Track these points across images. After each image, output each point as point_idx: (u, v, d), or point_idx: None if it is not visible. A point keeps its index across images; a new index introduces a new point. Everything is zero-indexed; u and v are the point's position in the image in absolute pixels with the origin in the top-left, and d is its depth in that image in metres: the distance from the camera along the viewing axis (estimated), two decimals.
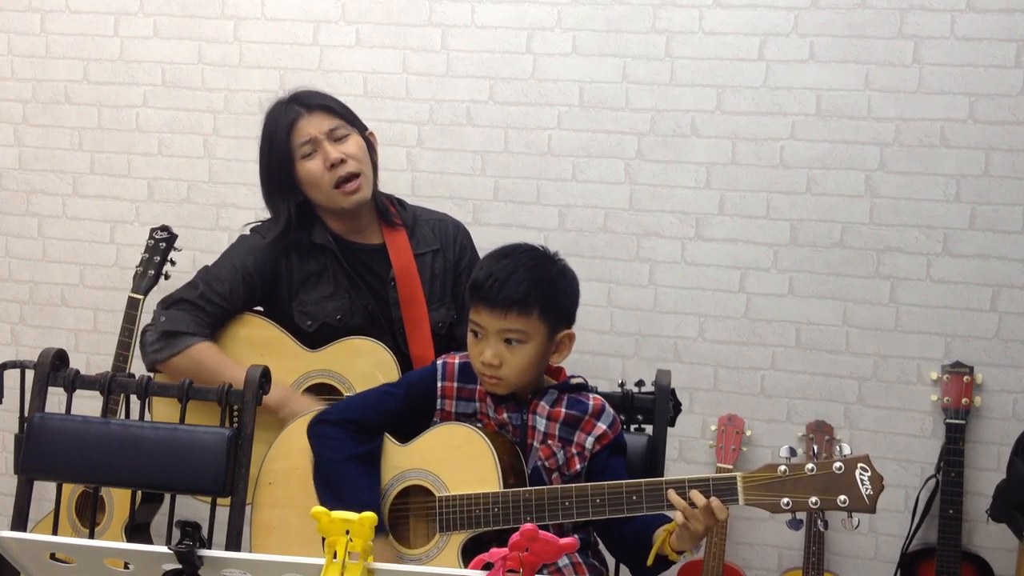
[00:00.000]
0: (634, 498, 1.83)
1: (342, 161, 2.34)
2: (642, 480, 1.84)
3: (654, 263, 3.15)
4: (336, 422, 2.03)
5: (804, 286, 3.08)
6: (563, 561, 1.99)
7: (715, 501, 1.76)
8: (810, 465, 1.74)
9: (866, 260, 3.03)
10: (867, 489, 1.72)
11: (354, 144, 2.39)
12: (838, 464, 1.73)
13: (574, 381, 2.06)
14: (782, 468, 1.75)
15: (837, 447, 1.78)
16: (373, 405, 2.06)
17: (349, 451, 1.99)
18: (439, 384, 2.05)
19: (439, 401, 2.05)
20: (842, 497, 1.72)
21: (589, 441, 2.00)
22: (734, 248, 3.10)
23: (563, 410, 2.01)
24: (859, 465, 1.72)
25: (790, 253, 3.07)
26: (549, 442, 2.00)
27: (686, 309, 3.14)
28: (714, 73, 3.06)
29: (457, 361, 2.07)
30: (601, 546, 2.12)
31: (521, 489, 1.91)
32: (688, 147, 3.10)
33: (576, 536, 1.93)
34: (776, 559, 3.16)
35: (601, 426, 2.01)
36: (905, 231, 3.01)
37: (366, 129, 2.47)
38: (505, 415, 2.02)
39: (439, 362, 2.08)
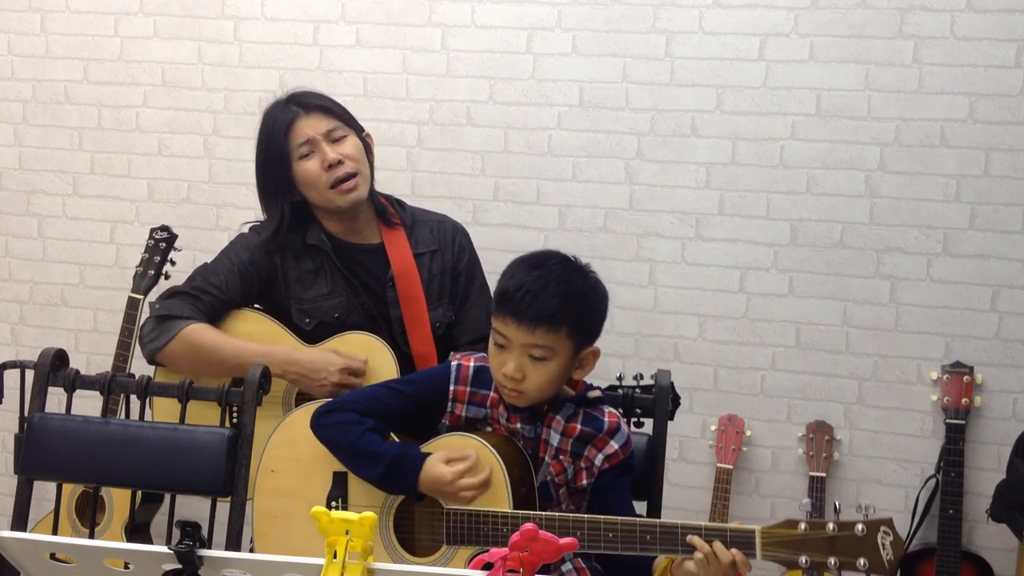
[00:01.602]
0: (648, 538, 1.78)
1: (340, 162, 2.34)
2: (656, 521, 1.81)
3: (654, 263, 3.15)
4: (339, 409, 2.00)
5: (804, 286, 3.07)
6: (566, 566, 1.98)
7: (739, 555, 1.71)
8: (831, 525, 1.70)
9: (866, 260, 3.03)
10: (888, 554, 1.68)
11: (351, 145, 2.38)
12: (860, 527, 1.69)
13: (592, 394, 2.01)
14: (803, 526, 1.71)
15: (860, 507, 1.72)
16: (379, 399, 2.03)
17: (361, 427, 1.96)
18: (452, 387, 2.01)
19: (450, 404, 2.01)
20: (862, 560, 1.68)
21: (599, 458, 1.96)
22: (734, 248, 3.10)
23: (578, 426, 1.96)
24: (882, 529, 1.69)
25: (790, 253, 3.07)
26: (560, 458, 1.97)
27: (686, 309, 3.14)
28: (714, 73, 3.06)
29: (472, 364, 2.02)
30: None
31: (532, 512, 1.88)
32: (688, 147, 3.10)
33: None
34: None
35: (613, 445, 1.97)
36: (905, 231, 3.00)
37: (363, 130, 2.47)
38: (519, 425, 1.98)
39: (453, 363, 2.03)
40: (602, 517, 1.82)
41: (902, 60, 2.96)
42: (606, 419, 1.98)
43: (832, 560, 1.69)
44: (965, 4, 2.91)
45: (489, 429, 2.00)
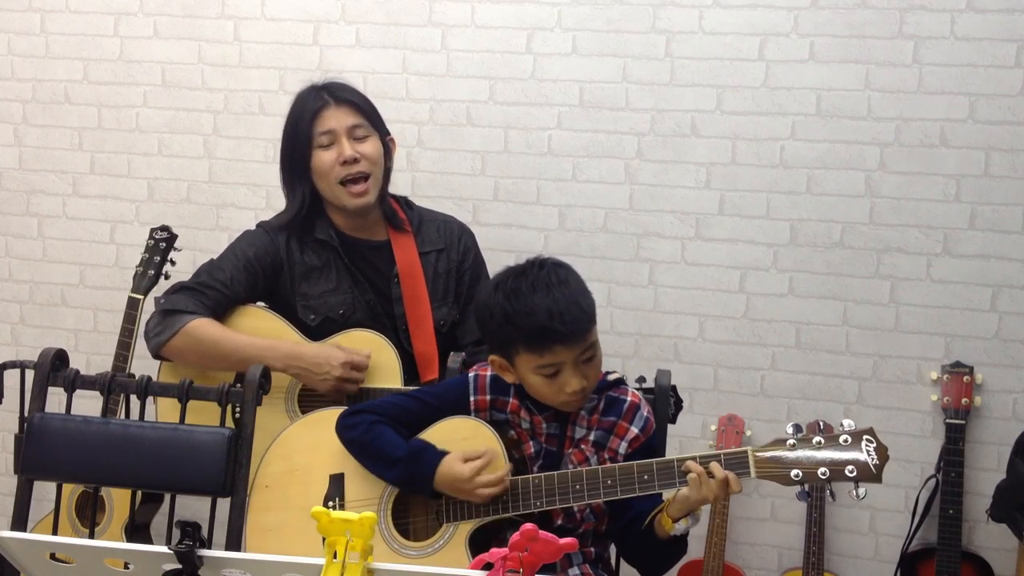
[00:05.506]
0: (645, 477, 1.85)
1: (355, 160, 2.38)
2: (652, 460, 1.88)
3: (654, 263, 3.15)
4: (363, 411, 2.05)
5: (804, 286, 3.07)
6: (573, 571, 1.99)
7: (731, 474, 1.80)
8: (817, 438, 1.80)
9: (866, 260, 3.03)
10: (873, 459, 1.78)
11: (371, 146, 2.43)
12: (844, 436, 1.79)
13: (611, 377, 2.05)
14: (790, 442, 1.81)
15: (841, 422, 1.83)
16: (404, 406, 2.07)
17: (380, 427, 2.01)
18: (472, 398, 2.05)
19: (473, 415, 2.05)
20: (850, 467, 1.78)
21: (623, 447, 2.00)
22: (734, 248, 3.10)
23: (599, 417, 2.01)
24: (864, 437, 1.80)
25: (790, 253, 3.07)
26: (582, 446, 2.00)
27: (686, 309, 3.14)
28: (714, 73, 3.06)
29: (489, 374, 2.06)
30: (612, 560, 2.12)
31: (530, 476, 1.92)
32: (688, 147, 3.10)
33: (580, 539, 1.94)
34: (776, 559, 3.16)
35: (633, 430, 2.01)
36: (905, 231, 3.00)
37: (387, 133, 2.50)
38: (544, 425, 2.01)
39: (470, 375, 2.07)
40: (599, 467, 1.90)
41: (902, 60, 2.96)
42: (627, 399, 2.02)
43: (822, 470, 1.80)
44: (965, 4, 2.90)
45: (512, 433, 2.02)
